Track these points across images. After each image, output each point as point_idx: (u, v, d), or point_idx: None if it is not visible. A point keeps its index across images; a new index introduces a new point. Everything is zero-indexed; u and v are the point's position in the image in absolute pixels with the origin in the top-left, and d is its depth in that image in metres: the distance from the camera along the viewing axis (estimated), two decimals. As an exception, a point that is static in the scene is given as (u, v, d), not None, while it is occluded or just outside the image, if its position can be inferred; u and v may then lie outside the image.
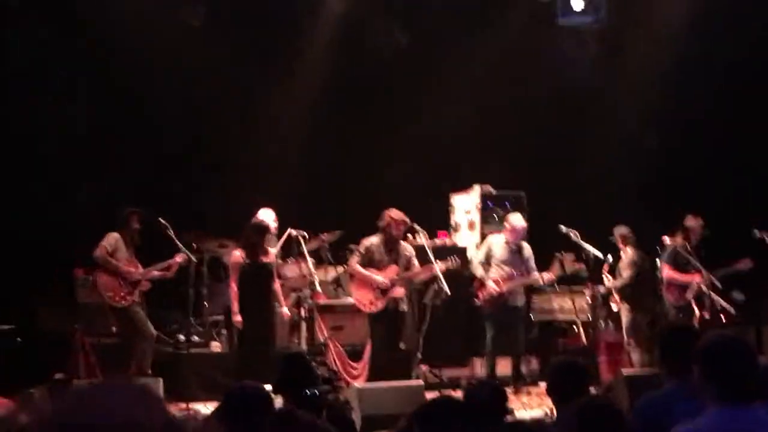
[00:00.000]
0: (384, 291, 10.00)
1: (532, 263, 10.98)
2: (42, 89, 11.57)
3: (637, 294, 11.28)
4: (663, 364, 4.41)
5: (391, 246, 10.13)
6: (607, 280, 11.27)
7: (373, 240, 10.18)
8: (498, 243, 11.04)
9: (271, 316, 9.74)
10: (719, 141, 13.44)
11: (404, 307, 10.17)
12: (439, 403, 4.16)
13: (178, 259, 10.10)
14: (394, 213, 10.07)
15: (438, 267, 9.98)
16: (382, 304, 10.01)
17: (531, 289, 11.55)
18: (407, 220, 10.10)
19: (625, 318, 11.17)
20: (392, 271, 10.03)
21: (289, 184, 12.61)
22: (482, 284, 10.92)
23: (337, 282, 11.77)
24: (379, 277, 9.99)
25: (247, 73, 12.88)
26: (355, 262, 10.16)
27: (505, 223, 11.12)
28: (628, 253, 11.28)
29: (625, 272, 11.17)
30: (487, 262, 10.97)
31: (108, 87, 12.17)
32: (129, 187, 11.69)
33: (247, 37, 12.75)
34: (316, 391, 5.43)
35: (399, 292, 10.07)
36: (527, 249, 11.01)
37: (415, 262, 10.18)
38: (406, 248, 10.26)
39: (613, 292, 11.28)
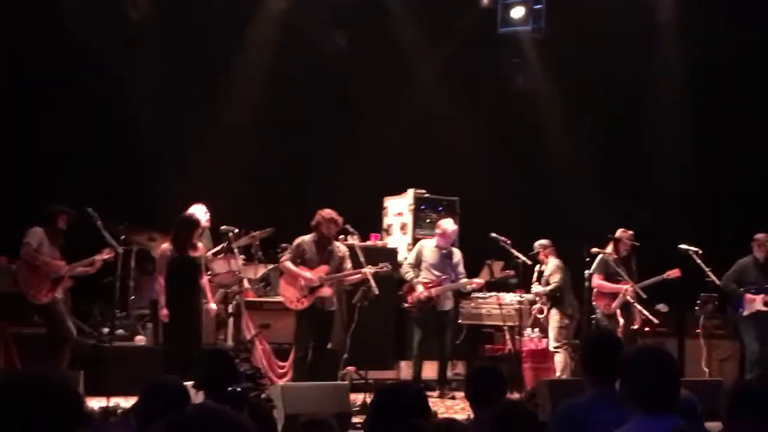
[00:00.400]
0: (312, 289, 9.95)
1: (462, 268, 11.03)
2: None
3: (565, 299, 11.45)
4: (586, 372, 4.44)
5: (323, 245, 10.07)
6: (536, 286, 11.39)
7: (306, 239, 10.13)
8: (429, 247, 11.08)
9: (198, 311, 9.62)
10: (654, 150, 13.66)
11: (332, 307, 10.13)
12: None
13: (104, 255, 9.83)
14: (327, 212, 10.02)
15: (369, 271, 9.94)
16: (309, 302, 9.95)
17: (459, 294, 11.60)
18: (339, 219, 10.06)
19: (552, 323, 11.27)
20: (322, 270, 9.99)
21: (223, 180, 12.52)
22: (411, 288, 10.94)
23: (266, 279, 11.70)
24: (308, 274, 9.94)
25: (190, 67, 12.76)
26: (286, 259, 10.10)
27: (436, 228, 11.17)
28: (551, 262, 11.40)
29: (552, 278, 11.28)
30: (417, 266, 11.00)
31: (45, 73, 11.97)
32: (60, 174, 11.51)
33: (191, 33, 12.67)
34: (238, 388, 5.37)
35: (326, 291, 10.01)
36: (457, 254, 11.06)
37: (348, 263, 10.14)
38: (340, 249, 10.21)
39: (540, 297, 11.39)
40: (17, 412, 2.17)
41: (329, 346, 10.25)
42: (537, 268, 11.38)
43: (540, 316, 11.48)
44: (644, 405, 3.62)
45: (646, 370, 3.66)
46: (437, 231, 11.10)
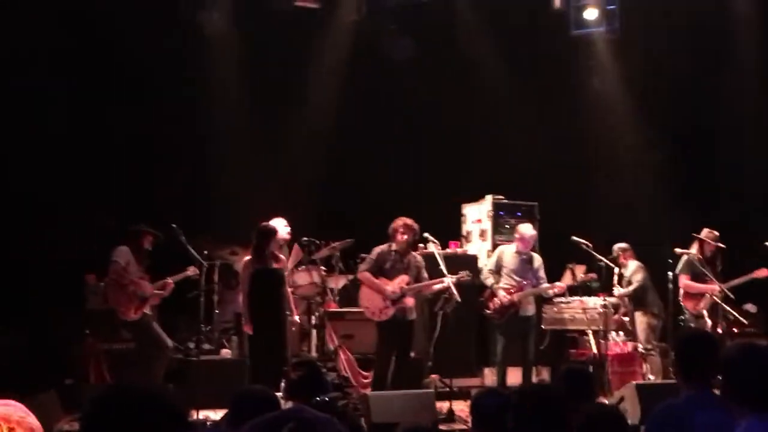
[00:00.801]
0: (394, 300, 9.94)
1: (542, 273, 10.95)
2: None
3: (649, 299, 11.37)
4: (681, 372, 4.32)
5: (401, 255, 10.07)
6: (618, 289, 11.31)
7: (384, 248, 10.12)
8: (509, 253, 11.01)
9: (282, 323, 9.69)
10: (735, 151, 13.40)
11: (412, 316, 10.11)
12: None
13: (189, 272, 9.99)
14: (404, 221, 10.02)
15: (450, 280, 9.89)
16: (391, 313, 9.95)
17: (542, 299, 11.51)
18: (416, 227, 10.05)
19: (640, 325, 11.18)
20: (402, 280, 9.97)
21: (302, 193, 12.63)
22: (492, 294, 10.89)
23: (347, 290, 11.75)
24: (389, 287, 9.92)
25: (262, 80, 12.90)
26: (365, 270, 10.09)
27: (515, 233, 11.11)
28: (631, 264, 11.42)
29: (635, 278, 11.28)
30: (497, 272, 10.95)
31: (131, 99, 12.18)
32: (142, 194, 11.71)
33: (264, 44, 12.81)
34: (326, 397, 5.41)
35: (409, 301, 10.00)
36: (538, 259, 10.98)
37: (425, 273, 10.12)
38: (417, 259, 10.19)
39: (624, 299, 11.29)
40: (127, 425, 2.18)
41: (411, 355, 10.24)
42: (617, 271, 11.32)
43: (626, 318, 11.35)
44: (754, 406, 3.51)
45: (755, 369, 3.57)
46: (516, 236, 11.04)
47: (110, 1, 11.90)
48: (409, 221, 10.01)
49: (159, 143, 12.28)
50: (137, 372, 9.47)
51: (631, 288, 11.21)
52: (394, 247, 10.03)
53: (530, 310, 10.97)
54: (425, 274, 10.10)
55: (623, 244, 11.52)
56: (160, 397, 2.25)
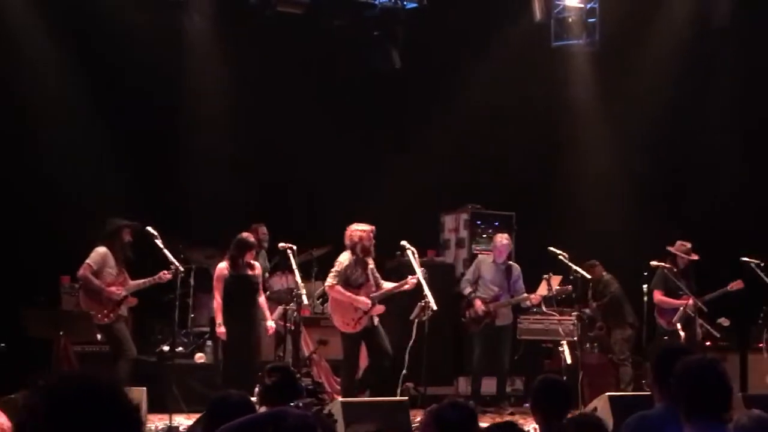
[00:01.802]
0: (365, 311, 9.96)
1: (521, 283, 11.01)
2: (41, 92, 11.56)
3: (624, 309, 11.48)
4: (656, 385, 4.35)
5: (363, 263, 10.07)
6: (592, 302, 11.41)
7: (347, 259, 10.08)
8: (487, 263, 11.06)
9: (255, 328, 9.74)
10: (712, 164, 13.48)
11: (377, 321, 10.10)
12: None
13: (166, 275, 9.93)
14: (360, 226, 10.00)
15: (414, 280, 9.86)
16: (364, 323, 9.98)
17: (518, 309, 11.56)
18: (373, 230, 10.04)
19: (615, 335, 11.33)
20: (368, 288, 10.02)
21: (281, 198, 12.62)
22: (469, 303, 10.92)
23: (323, 296, 11.72)
24: (362, 299, 9.94)
25: (242, 83, 12.86)
26: (335, 284, 10.04)
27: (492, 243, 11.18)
28: (604, 276, 11.66)
29: (607, 290, 11.44)
30: (475, 282, 10.99)
31: (117, 96, 12.11)
32: (121, 195, 11.66)
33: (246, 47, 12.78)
34: (300, 403, 5.40)
35: (379, 309, 10.05)
36: (517, 269, 11.04)
37: (378, 277, 10.14)
38: (372, 264, 10.21)
39: (595, 311, 11.41)
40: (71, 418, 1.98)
41: (385, 362, 10.23)
42: (591, 285, 11.48)
43: (600, 331, 11.44)
44: (691, 412, 3.67)
45: (694, 379, 3.71)
46: (492, 247, 11.11)
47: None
48: (366, 226, 9.99)
49: (137, 144, 12.20)
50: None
51: (604, 299, 11.37)
52: (353, 255, 10.00)
53: (506, 319, 11.01)
54: (381, 279, 10.14)
55: (593, 261, 11.67)
56: (109, 391, 2.05)
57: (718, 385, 3.72)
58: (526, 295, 10.98)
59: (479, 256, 11.52)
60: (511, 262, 11.06)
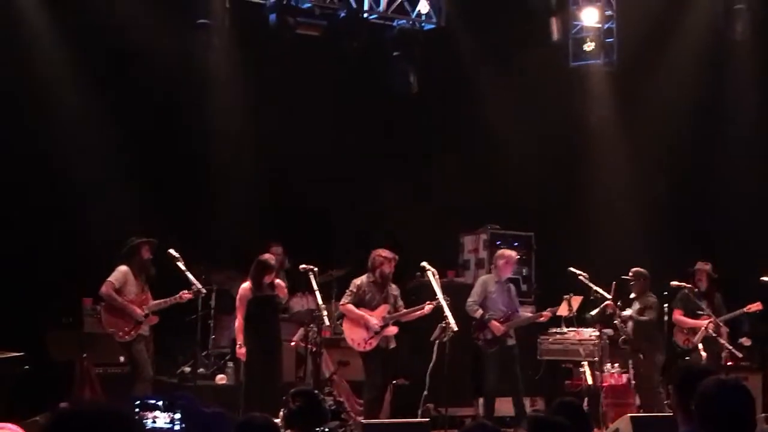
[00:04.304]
0: (377, 332, 10.04)
1: (517, 300, 11.15)
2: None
3: (659, 334, 11.36)
4: (680, 407, 4.31)
5: (381, 285, 10.16)
6: (619, 320, 11.23)
7: (363, 280, 10.21)
8: (492, 282, 11.10)
9: (277, 349, 9.76)
10: (731, 185, 13.44)
11: (393, 344, 10.18)
12: None
13: (186, 295, 9.99)
14: (385, 253, 10.12)
15: (430, 306, 9.93)
16: (376, 343, 10.05)
17: (538, 330, 11.56)
18: (395, 257, 10.15)
19: (644, 358, 11.20)
20: (383, 310, 10.09)
21: (301, 219, 12.66)
22: (483, 325, 10.90)
23: (343, 318, 11.74)
24: (372, 319, 10.02)
25: (263, 108, 12.90)
26: (347, 303, 10.17)
27: (500, 258, 11.16)
28: (650, 296, 11.34)
29: (649, 312, 11.19)
30: (481, 303, 10.97)
31: (139, 119, 12.19)
32: (137, 217, 11.70)
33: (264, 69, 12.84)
34: (326, 429, 5.43)
35: (392, 330, 10.13)
36: (512, 286, 11.24)
37: (401, 302, 10.29)
38: (393, 288, 10.31)
39: (624, 327, 11.25)
40: None
41: (402, 382, 10.32)
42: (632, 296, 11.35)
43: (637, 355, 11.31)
44: None
45: (718, 402, 3.69)
46: (501, 262, 11.10)
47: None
48: (389, 254, 10.08)
49: (158, 166, 12.27)
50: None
51: (645, 318, 11.18)
52: (371, 278, 10.10)
53: (513, 339, 11.03)
54: (401, 302, 10.29)
55: (644, 271, 11.44)
56: (117, 416, 2.31)
57: (740, 407, 3.70)
58: (539, 313, 11.11)
59: (481, 276, 11.54)
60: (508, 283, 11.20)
